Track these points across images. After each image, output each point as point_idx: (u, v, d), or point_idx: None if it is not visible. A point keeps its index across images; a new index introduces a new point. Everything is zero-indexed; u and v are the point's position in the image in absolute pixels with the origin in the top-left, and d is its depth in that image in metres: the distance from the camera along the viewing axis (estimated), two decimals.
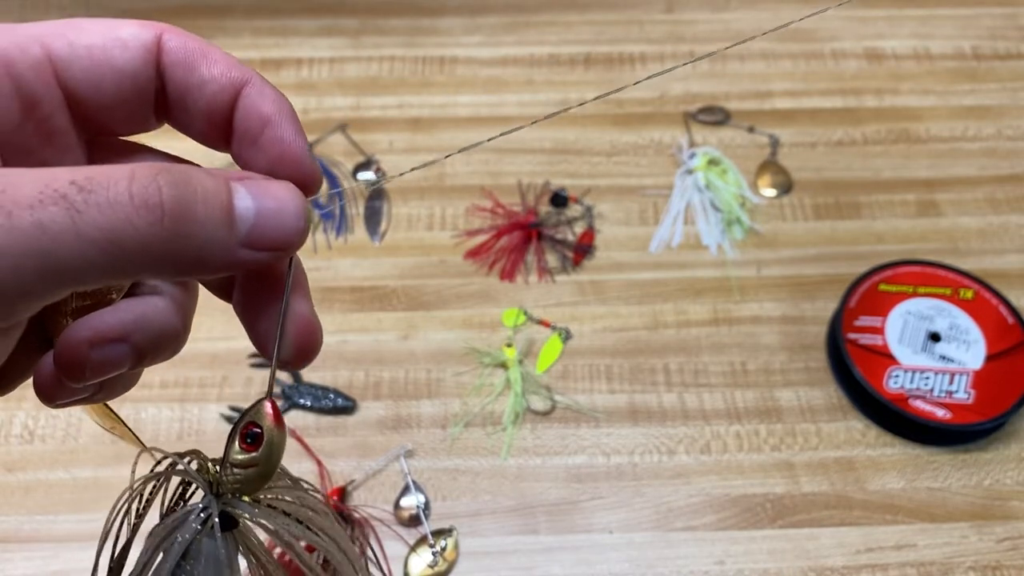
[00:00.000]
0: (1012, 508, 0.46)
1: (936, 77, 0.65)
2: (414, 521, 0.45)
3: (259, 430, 0.17)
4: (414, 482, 0.47)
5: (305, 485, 0.19)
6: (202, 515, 0.17)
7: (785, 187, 0.59)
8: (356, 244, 0.56)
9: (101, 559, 0.17)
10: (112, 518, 0.17)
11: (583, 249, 0.56)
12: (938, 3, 0.69)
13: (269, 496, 0.19)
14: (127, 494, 0.18)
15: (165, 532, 0.17)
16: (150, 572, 0.17)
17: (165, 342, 0.18)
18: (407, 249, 0.56)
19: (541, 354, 0.51)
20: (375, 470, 0.47)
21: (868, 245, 0.56)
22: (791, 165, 0.60)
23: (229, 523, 0.17)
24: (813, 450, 0.48)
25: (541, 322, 0.53)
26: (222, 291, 0.19)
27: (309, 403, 0.49)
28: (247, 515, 0.17)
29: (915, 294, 0.51)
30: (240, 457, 0.17)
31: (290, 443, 0.48)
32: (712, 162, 0.59)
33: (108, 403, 0.21)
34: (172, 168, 0.15)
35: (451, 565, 0.44)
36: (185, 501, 0.19)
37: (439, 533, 0.45)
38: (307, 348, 0.18)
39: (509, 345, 0.51)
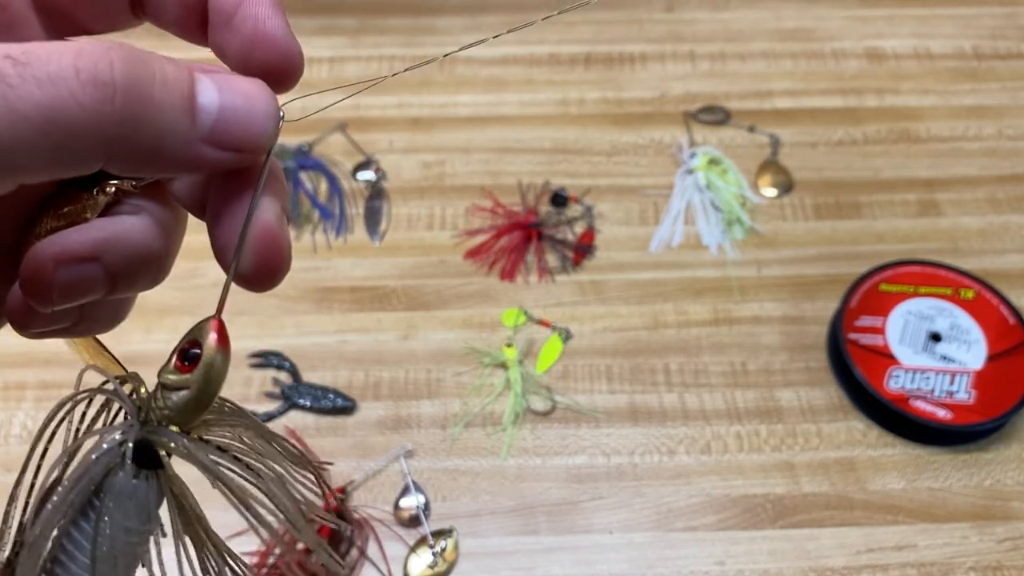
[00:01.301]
0: (1013, 508, 0.46)
1: (937, 77, 0.65)
2: (414, 522, 0.45)
3: (199, 351, 0.15)
4: (414, 482, 0.47)
5: (265, 427, 0.17)
6: (117, 439, 0.14)
7: (786, 187, 0.59)
8: (356, 244, 0.56)
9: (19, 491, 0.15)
10: (35, 444, 0.15)
11: (583, 249, 0.56)
12: (938, 3, 0.69)
13: (211, 435, 0.16)
14: (53, 418, 0.15)
15: (75, 461, 0.14)
16: (51, 506, 0.14)
17: (142, 265, 0.16)
18: (407, 249, 0.56)
19: (541, 354, 0.51)
20: (375, 470, 0.47)
21: (869, 245, 0.56)
22: (791, 165, 0.60)
23: (151, 459, 0.15)
24: (814, 450, 0.48)
25: (541, 322, 0.53)
26: (198, 206, 0.17)
27: (308, 403, 0.49)
28: (172, 445, 0.14)
29: (916, 294, 0.51)
30: (173, 378, 0.15)
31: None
32: (712, 162, 0.59)
33: (100, 339, 0.18)
34: (128, 46, 0.13)
35: (451, 566, 0.44)
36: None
37: (439, 534, 0.45)
38: (268, 260, 0.15)
39: (509, 345, 0.51)
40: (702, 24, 0.68)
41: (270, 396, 0.49)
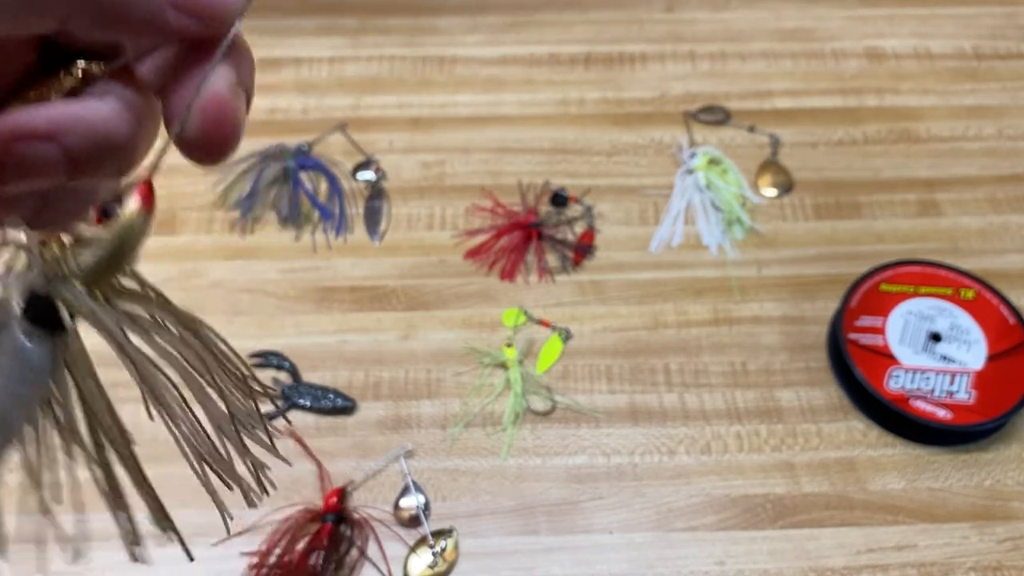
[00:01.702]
0: (1013, 508, 0.46)
1: (937, 77, 0.65)
2: (414, 522, 0.45)
3: (117, 206, 0.14)
4: (414, 482, 0.47)
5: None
6: (12, 286, 0.12)
7: (786, 187, 0.59)
8: (356, 244, 0.56)
9: None
10: None
11: (583, 249, 0.56)
12: (938, 2, 0.69)
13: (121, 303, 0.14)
14: None
15: None
16: None
17: (105, 149, 0.14)
18: (407, 249, 0.56)
19: (541, 354, 0.51)
20: (375, 470, 0.47)
21: (869, 245, 0.56)
22: (791, 165, 0.60)
23: (51, 319, 0.13)
24: (814, 450, 0.48)
25: (541, 322, 0.53)
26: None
27: (308, 403, 0.49)
28: (71, 299, 0.13)
29: (916, 294, 0.51)
30: (87, 231, 0.13)
31: (291, 444, 0.48)
32: (712, 162, 0.59)
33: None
34: None
35: (451, 566, 0.44)
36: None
37: (439, 534, 0.45)
38: (215, 128, 0.14)
39: (509, 345, 0.51)
40: (702, 24, 0.68)
41: (269, 396, 0.49)
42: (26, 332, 0.13)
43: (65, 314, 0.13)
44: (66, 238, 0.13)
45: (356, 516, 0.45)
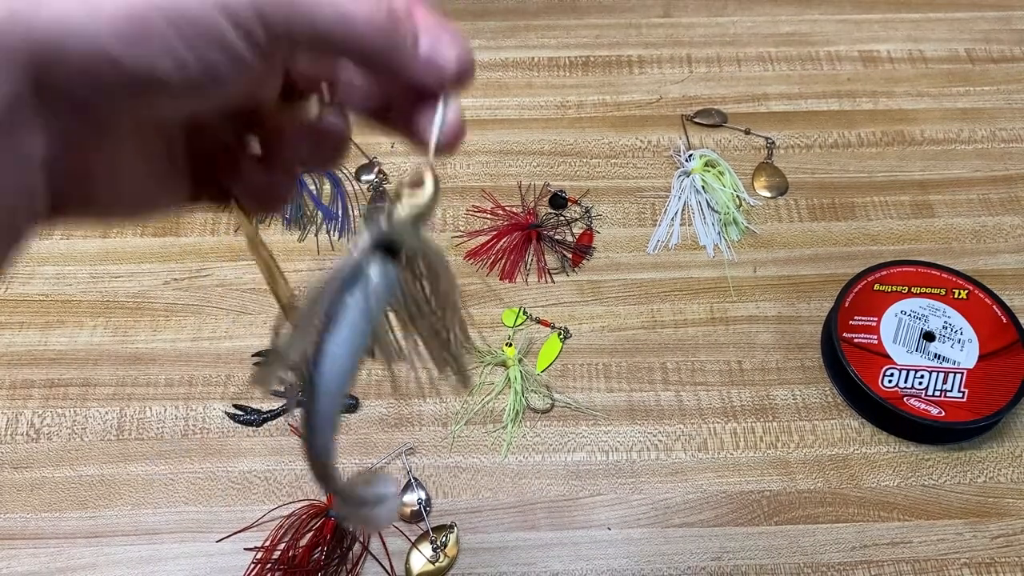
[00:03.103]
0: (1006, 505, 0.47)
1: (930, 80, 0.66)
2: (415, 517, 0.46)
3: (421, 182, 0.21)
4: (415, 479, 0.47)
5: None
6: (371, 231, 0.20)
7: (781, 188, 0.60)
8: None
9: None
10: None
11: (582, 250, 0.56)
12: (932, 7, 0.70)
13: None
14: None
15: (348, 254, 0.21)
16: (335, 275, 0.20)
17: (341, 141, 0.24)
18: None
19: (541, 353, 0.52)
20: (377, 467, 0.48)
21: (863, 245, 0.57)
22: (787, 167, 0.61)
23: (393, 252, 0.21)
24: (809, 448, 0.49)
25: (541, 322, 0.53)
26: (369, 116, 0.24)
27: None
28: (407, 235, 0.21)
29: (909, 294, 0.52)
30: (408, 190, 0.21)
31: (291, 444, 0.49)
32: (709, 164, 0.60)
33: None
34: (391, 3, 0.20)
35: (452, 561, 0.45)
36: None
37: (440, 529, 0.46)
38: (454, 138, 0.22)
39: (509, 344, 0.52)
40: (699, 28, 0.69)
41: (275, 394, 0.50)
42: (382, 258, 0.20)
43: (403, 244, 0.21)
44: (395, 199, 0.21)
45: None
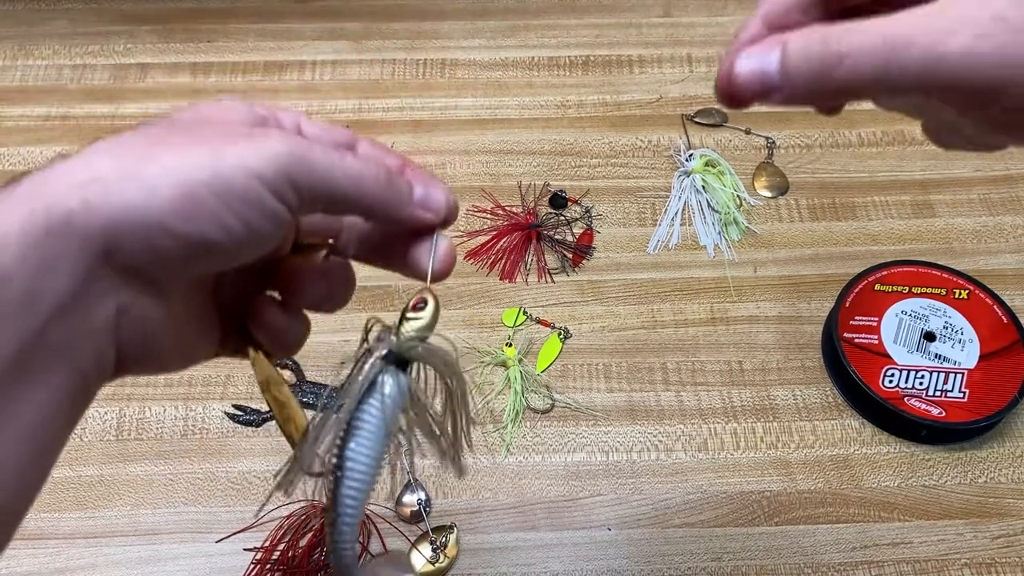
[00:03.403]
0: (1006, 506, 0.47)
1: None
2: (415, 518, 0.46)
3: (423, 304, 0.24)
4: (415, 479, 0.47)
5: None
6: (384, 347, 0.24)
7: (781, 188, 0.59)
8: None
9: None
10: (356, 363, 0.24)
11: (582, 250, 0.56)
12: None
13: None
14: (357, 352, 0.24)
15: (357, 364, 0.24)
16: (346, 395, 0.23)
17: (348, 280, 0.28)
18: None
19: (541, 353, 0.52)
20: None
21: (863, 246, 0.57)
22: (787, 166, 0.61)
23: (402, 363, 0.24)
24: (809, 448, 0.49)
25: (541, 322, 0.53)
26: (362, 257, 0.27)
27: (311, 401, 0.50)
28: (417, 347, 0.24)
29: (910, 294, 0.52)
30: (412, 314, 0.24)
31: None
32: (709, 164, 0.60)
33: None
34: (387, 163, 0.24)
35: (452, 561, 0.45)
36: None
37: (440, 530, 0.46)
38: (447, 266, 0.26)
39: (509, 344, 0.52)
40: (699, 28, 0.69)
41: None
42: (394, 369, 0.24)
43: (411, 356, 0.24)
44: (404, 317, 0.24)
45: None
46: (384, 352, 0.23)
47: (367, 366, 0.23)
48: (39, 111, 0.64)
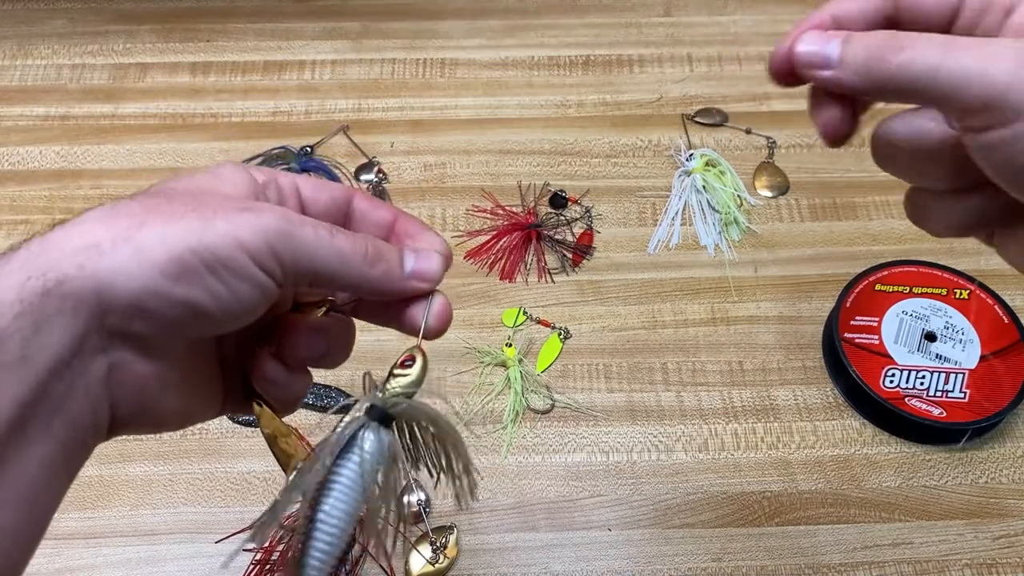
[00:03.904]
0: (1007, 506, 0.47)
1: None
2: (415, 519, 0.46)
3: (411, 361, 0.25)
4: (415, 480, 0.47)
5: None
6: (367, 402, 0.23)
7: (782, 188, 0.59)
8: None
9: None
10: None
11: (582, 250, 0.56)
12: None
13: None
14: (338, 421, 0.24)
15: (338, 424, 0.23)
16: (325, 454, 0.23)
17: (344, 339, 0.28)
18: None
19: (541, 353, 0.52)
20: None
21: (864, 245, 0.57)
22: (788, 166, 0.60)
23: (385, 420, 0.23)
24: (810, 448, 0.49)
25: (541, 322, 0.53)
26: (375, 313, 0.28)
27: (312, 402, 0.50)
28: (401, 404, 0.23)
29: (911, 294, 0.52)
30: (399, 371, 0.25)
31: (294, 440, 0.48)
32: (710, 163, 0.59)
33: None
34: (376, 241, 0.25)
35: (452, 562, 0.45)
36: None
37: (440, 530, 0.46)
38: (443, 324, 0.26)
39: (509, 344, 0.52)
40: (699, 28, 0.69)
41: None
42: (376, 427, 0.23)
43: (395, 413, 0.24)
44: (391, 374, 0.25)
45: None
46: (367, 407, 0.23)
47: (348, 420, 0.23)
48: (38, 111, 0.64)
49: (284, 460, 0.28)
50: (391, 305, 0.26)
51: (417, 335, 0.26)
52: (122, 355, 0.21)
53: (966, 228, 0.25)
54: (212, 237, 0.21)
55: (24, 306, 0.19)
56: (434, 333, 0.26)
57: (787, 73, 0.25)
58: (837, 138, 0.26)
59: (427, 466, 0.25)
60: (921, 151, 0.24)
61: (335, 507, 0.22)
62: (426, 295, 0.26)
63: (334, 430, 0.23)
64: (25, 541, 0.20)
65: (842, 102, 0.25)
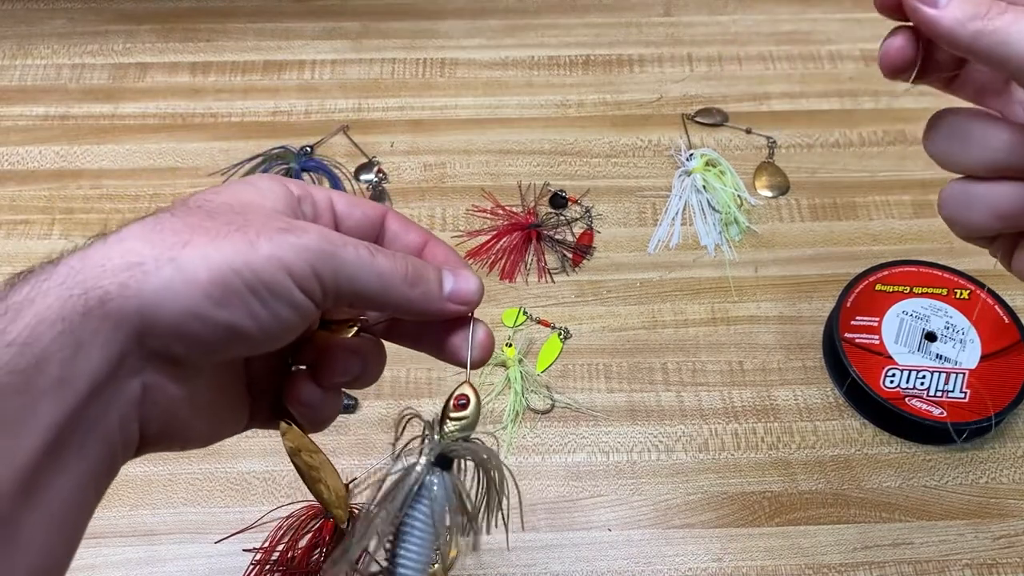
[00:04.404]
0: (1008, 506, 0.47)
1: None
2: None
3: (465, 400, 0.25)
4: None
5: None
6: (428, 449, 0.24)
7: (782, 188, 0.59)
8: None
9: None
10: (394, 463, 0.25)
11: (582, 249, 0.56)
12: None
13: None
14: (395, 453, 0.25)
15: (398, 470, 0.24)
16: (389, 501, 0.23)
17: (377, 363, 0.29)
18: None
19: (541, 353, 0.52)
20: (377, 468, 0.48)
21: (864, 245, 0.57)
22: (788, 166, 0.60)
23: (446, 463, 0.24)
24: (810, 448, 0.49)
25: (541, 322, 0.53)
26: (392, 338, 0.28)
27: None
28: (461, 447, 0.24)
29: (911, 294, 0.52)
30: (455, 413, 0.25)
31: None
32: (710, 163, 0.59)
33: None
34: (415, 261, 0.25)
35: (452, 562, 0.45)
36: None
37: None
38: (486, 353, 0.27)
39: (509, 345, 0.52)
40: (699, 27, 0.69)
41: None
42: (440, 472, 0.24)
43: (454, 457, 0.24)
44: (446, 416, 0.25)
45: (358, 513, 0.46)
46: (434, 457, 0.24)
47: (415, 469, 0.24)
48: (38, 111, 0.64)
49: (307, 473, 0.28)
50: (426, 328, 0.26)
51: (457, 364, 0.26)
52: (156, 376, 0.21)
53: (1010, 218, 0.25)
54: (256, 259, 0.20)
55: (66, 324, 0.19)
56: (478, 363, 0.26)
57: (894, 6, 0.25)
58: (896, 64, 0.25)
59: (471, 507, 0.25)
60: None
61: (411, 554, 0.23)
62: (464, 319, 0.26)
63: (396, 475, 0.24)
64: (55, 564, 0.20)
65: (918, 44, 0.25)
